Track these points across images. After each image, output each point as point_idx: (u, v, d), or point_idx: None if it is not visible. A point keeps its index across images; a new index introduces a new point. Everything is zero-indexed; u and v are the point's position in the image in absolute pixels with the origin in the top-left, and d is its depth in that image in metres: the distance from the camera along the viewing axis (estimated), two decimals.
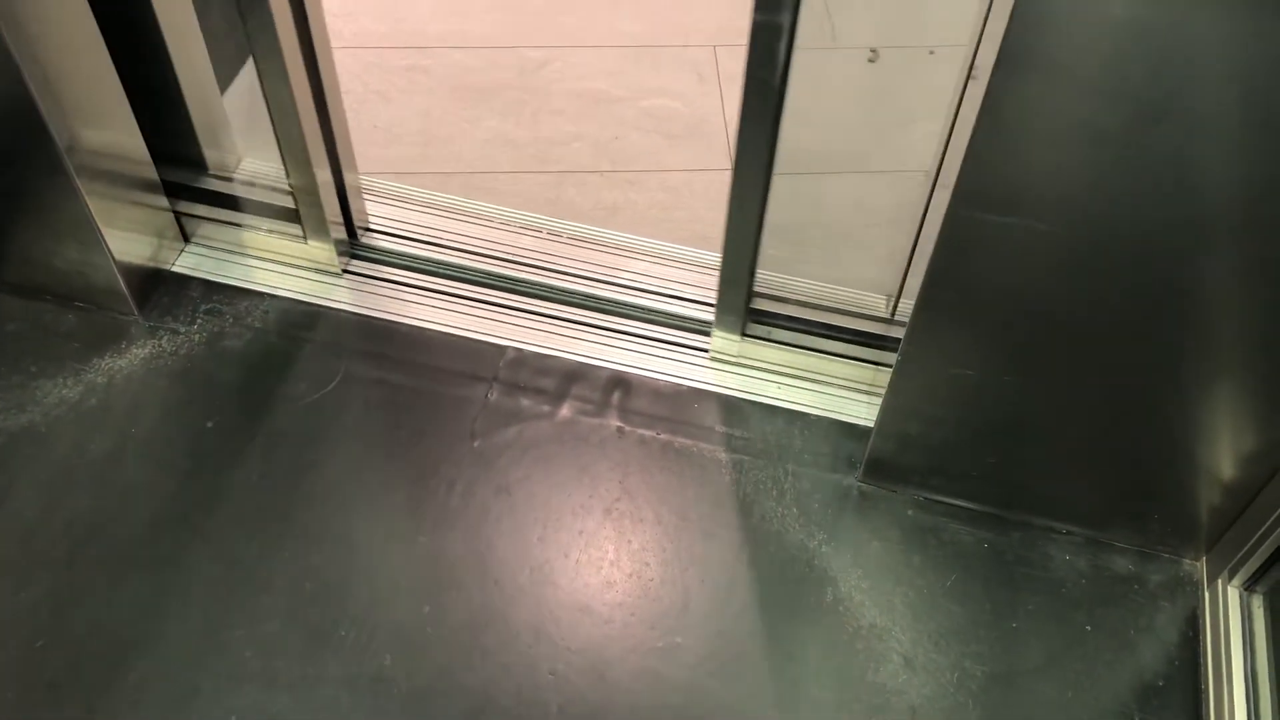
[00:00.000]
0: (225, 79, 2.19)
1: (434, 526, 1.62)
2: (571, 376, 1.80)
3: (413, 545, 1.60)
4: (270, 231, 1.87)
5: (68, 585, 1.53)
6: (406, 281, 1.89)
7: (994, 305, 1.37)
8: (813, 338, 1.77)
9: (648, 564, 1.61)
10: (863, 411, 1.78)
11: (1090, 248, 1.27)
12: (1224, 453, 1.48)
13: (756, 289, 1.72)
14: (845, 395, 1.80)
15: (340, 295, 1.87)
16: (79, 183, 1.62)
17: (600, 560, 1.61)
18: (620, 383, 1.79)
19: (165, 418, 1.71)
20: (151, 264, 1.85)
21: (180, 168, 1.81)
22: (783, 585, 1.59)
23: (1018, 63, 1.10)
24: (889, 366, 1.52)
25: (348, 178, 1.81)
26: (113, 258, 1.73)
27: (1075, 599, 1.61)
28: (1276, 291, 1.26)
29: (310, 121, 1.66)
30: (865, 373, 1.78)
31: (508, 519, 1.64)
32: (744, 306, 1.72)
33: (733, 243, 1.61)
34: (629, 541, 1.63)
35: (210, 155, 1.83)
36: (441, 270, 1.88)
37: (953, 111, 1.41)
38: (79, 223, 1.68)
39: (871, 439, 1.64)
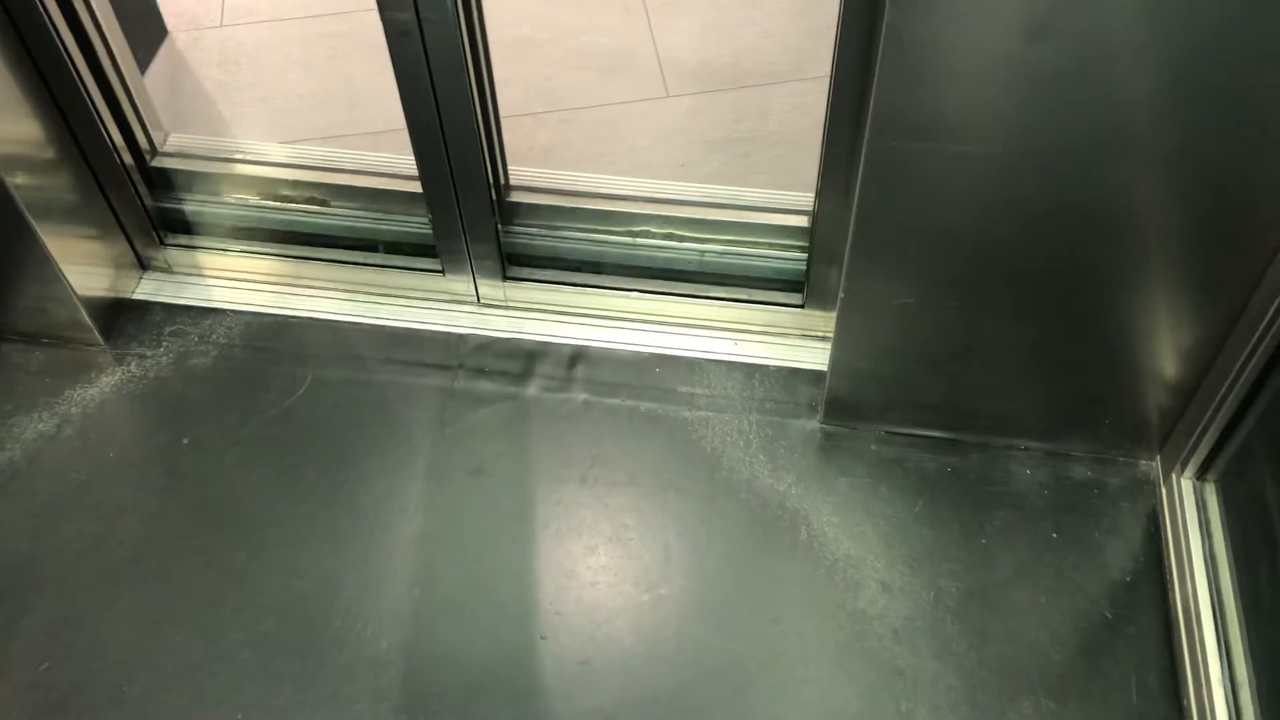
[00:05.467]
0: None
1: (415, 513, 1.67)
2: (533, 356, 1.85)
3: (396, 533, 1.65)
4: (221, 250, 1.93)
5: (66, 609, 1.57)
6: (360, 281, 1.93)
7: (924, 231, 1.43)
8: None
9: (626, 525, 1.66)
10: (818, 358, 1.83)
11: (1007, 164, 1.33)
12: (1163, 351, 1.54)
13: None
14: (799, 344, 1.85)
15: (300, 304, 1.91)
16: (32, 221, 1.66)
17: (579, 526, 1.66)
18: (581, 357, 1.84)
19: (141, 439, 1.75)
20: (112, 294, 1.88)
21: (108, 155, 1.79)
22: (757, 529, 1.65)
23: None
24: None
25: None
26: (74, 292, 1.77)
27: (1039, 510, 1.67)
28: (1187, 189, 1.32)
29: None
30: (814, 319, 1.84)
31: (486, 497, 1.69)
32: None
33: None
34: (606, 505, 1.68)
35: (140, 136, 1.84)
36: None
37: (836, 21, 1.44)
38: (37, 261, 1.72)
39: (827, 380, 1.70)
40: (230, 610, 1.57)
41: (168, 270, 1.96)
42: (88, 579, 1.60)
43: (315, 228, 1.92)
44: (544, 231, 1.86)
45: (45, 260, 1.72)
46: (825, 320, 1.83)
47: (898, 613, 1.57)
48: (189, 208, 1.92)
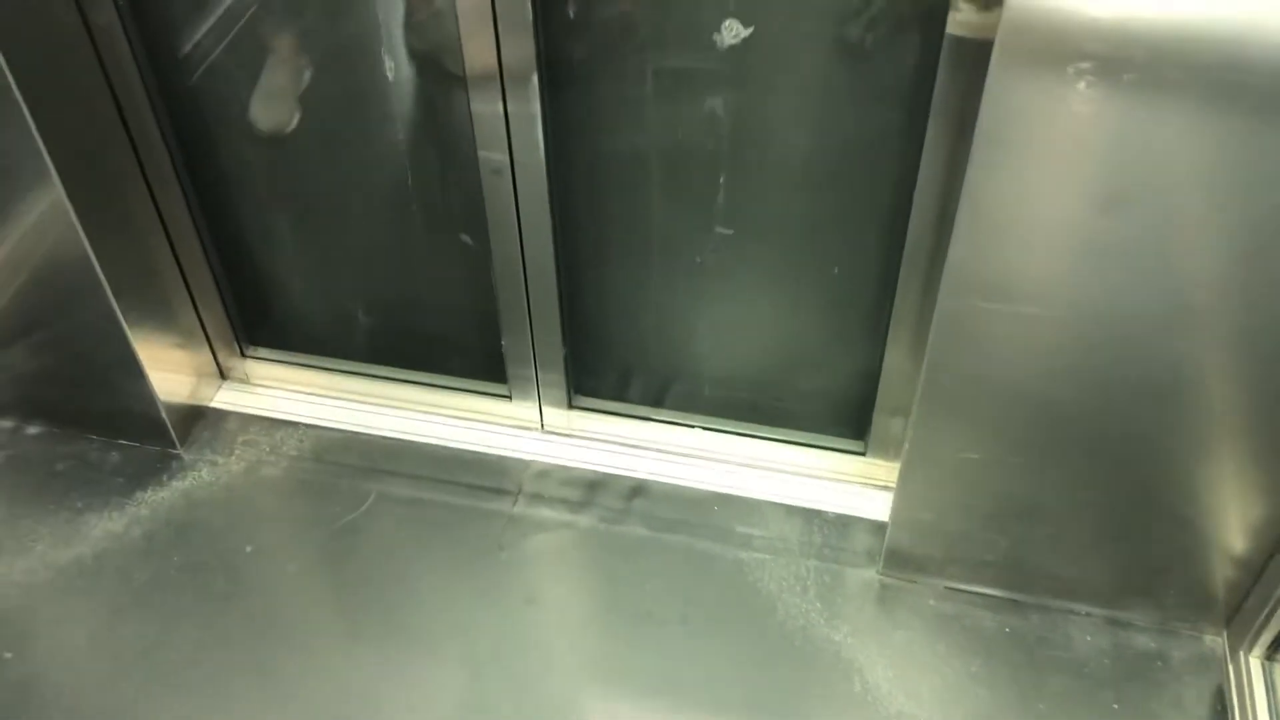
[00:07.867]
0: None
1: (466, 637, 1.67)
2: (593, 486, 1.86)
3: (445, 656, 1.64)
4: (299, 364, 1.99)
5: (114, 710, 1.58)
6: (430, 401, 1.97)
7: (994, 389, 1.44)
8: None
9: (677, 665, 1.65)
10: (878, 508, 1.83)
11: (1077, 330, 1.35)
12: (1230, 524, 1.52)
13: None
14: (860, 492, 1.85)
15: (370, 420, 1.96)
16: (127, 328, 1.74)
17: (629, 664, 1.65)
18: (641, 490, 1.86)
19: (206, 545, 1.78)
20: (191, 401, 1.95)
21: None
22: (811, 678, 1.62)
23: (991, 156, 1.20)
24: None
25: None
26: (157, 396, 1.83)
27: (1100, 679, 1.62)
28: (1256, 366, 1.33)
29: None
30: (876, 468, 1.84)
31: (537, 627, 1.68)
32: None
33: None
34: (657, 644, 1.67)
35: None
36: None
37: None
38: (126, 365, 1.79)
39: (888, 530, 1.69)
40: None
41: (246, 381, 2.02)
42: (139, 681, 1.61)
43: None
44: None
45: (134, 365, 1.78)
46: (887, 470, 1.83)
47: None
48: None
